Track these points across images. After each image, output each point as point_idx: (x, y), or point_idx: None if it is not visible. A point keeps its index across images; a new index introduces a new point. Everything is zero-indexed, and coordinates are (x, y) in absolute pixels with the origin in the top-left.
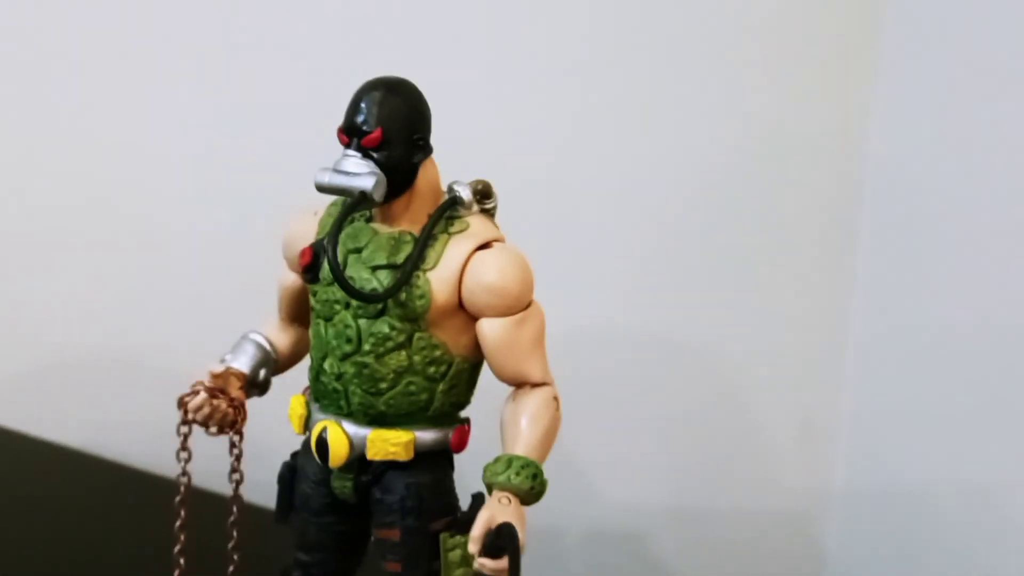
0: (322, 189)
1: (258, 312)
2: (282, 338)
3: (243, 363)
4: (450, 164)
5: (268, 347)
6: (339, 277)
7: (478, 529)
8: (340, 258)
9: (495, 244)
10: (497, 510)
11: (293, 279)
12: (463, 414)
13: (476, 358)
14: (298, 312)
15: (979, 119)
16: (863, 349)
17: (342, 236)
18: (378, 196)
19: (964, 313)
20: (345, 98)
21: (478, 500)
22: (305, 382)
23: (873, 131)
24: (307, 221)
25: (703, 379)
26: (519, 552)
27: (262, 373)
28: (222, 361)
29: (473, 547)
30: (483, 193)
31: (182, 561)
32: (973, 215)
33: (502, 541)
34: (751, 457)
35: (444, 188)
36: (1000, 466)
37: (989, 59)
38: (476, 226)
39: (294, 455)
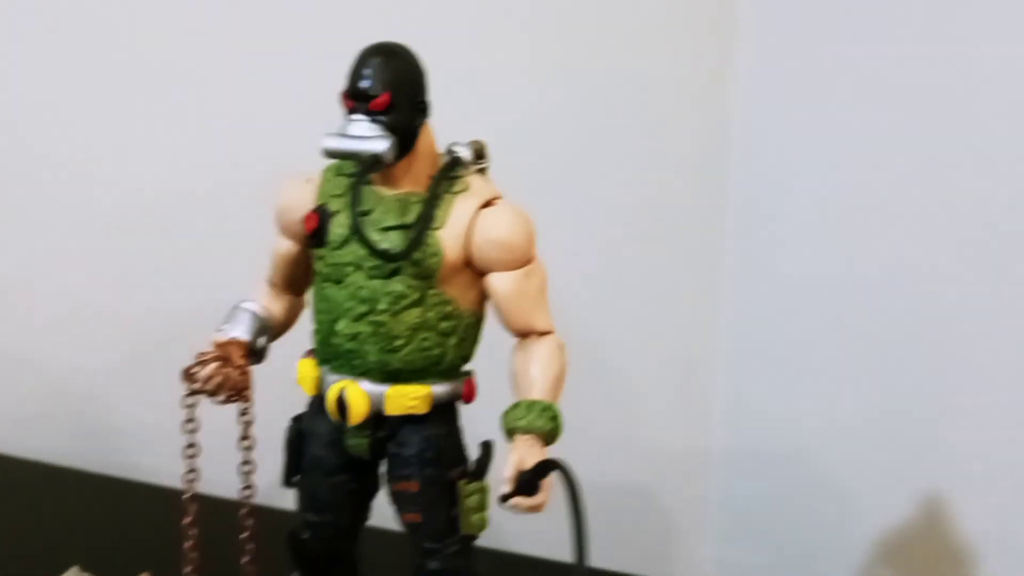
0: (332, 154)
1: (129, 302)
2: (275, 305)
3: (242, 332)
4: None
5: (263, 315)
6: (364, 239)
7: (511, 470)
8: (347, 220)
9: (497, 201)
10: (525, 452)
11: (288, 246)
12: (466, 368)
13: (481, 312)
14: (292, 279)
15: (839, 79)
16: (737, 305)
17: (346, 200)
18: (389, 158)
19: (832, 265)
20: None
21: (487, 448)
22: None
23: (738, 86)
24: (302, 189)
25: (576, 341)
26: (572, 477)
27: (260, 341)
28: (219, 331)
29: (507, 488)
30: (478, 153)
31: (192, 533)
32: (837, 170)
33: (537, 477)
34: (628, 413)
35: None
36: (873, 411)
37: (847, 22)
38: (476, 185)
39: (297, 418)
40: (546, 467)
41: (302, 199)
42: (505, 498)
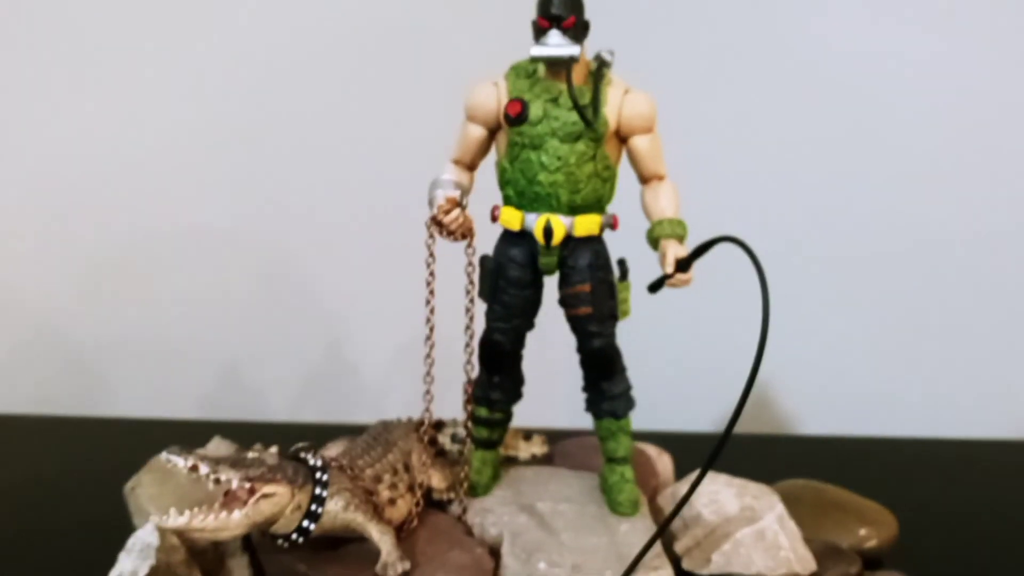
0: (539, 59)
1: None
2: (464, 177)
3: (452, 192)
4: None
5: (459, 181)
6: (582, 113)
7: (671, 257)
8: (541, 105)
9: (631, 89)
10: (674, 248)
11: (480, 131)
12: None
13: (618, 167)
14: (475, 157)
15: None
16: None
17: (537, 89)
18: (578, 59)
19: None
20: None
21: (624, 261)
22: None
23: None
24: (491, 89)
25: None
26: (746, 245)
27: (464, 199)
28: (434, 196)
29: (671, 269)
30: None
31: (430, 342)
32: None
33: (693, 260)
34: None
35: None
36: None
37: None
38: (615, 79)
39: (486, 257)
40: (698, 253)
41: (493, 96)
42: (665, 279)
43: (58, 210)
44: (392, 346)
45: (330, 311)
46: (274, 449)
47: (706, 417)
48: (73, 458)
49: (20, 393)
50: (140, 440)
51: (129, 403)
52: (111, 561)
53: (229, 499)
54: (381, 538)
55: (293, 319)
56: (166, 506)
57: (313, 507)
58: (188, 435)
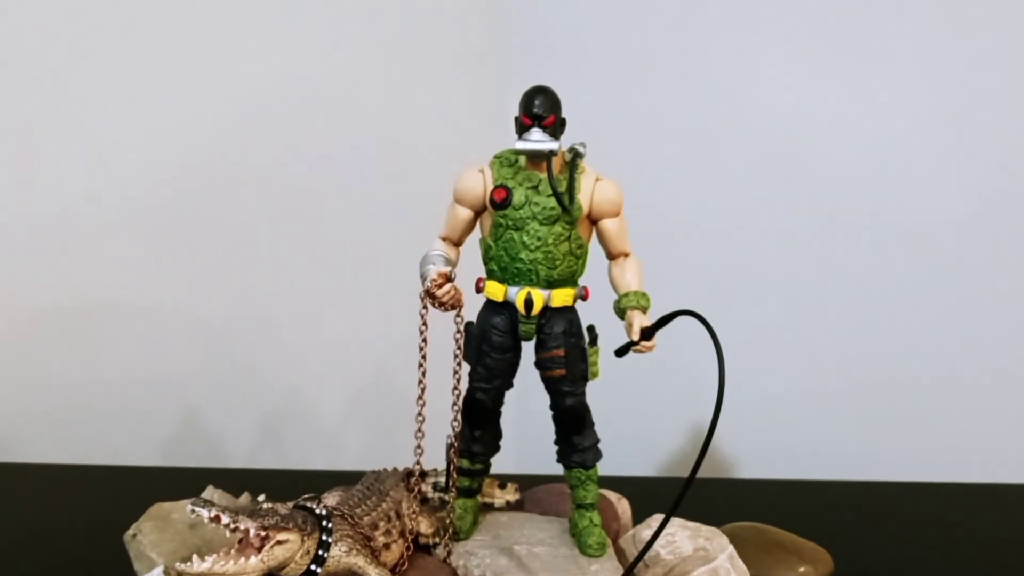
0: (523, 152)
1: None
2: (452, 253)
3: (443, 267)
4: None
5: (448, 256)
6: (560, 200)
7: (637, 328)
8: (523, 192)
9: (602, 177)
10: (639, 318)
11: (467, 213)
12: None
13: (588, 246)
14: (461, 235)
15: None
16: None
17: (520, 178)
18: (556, 154)
19: None
20: None
21: (593, 328)
22: None
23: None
24: (477, 175)
25: None
26: (703, 318)
27: (452, 272)
28: (426, 269)
29: (636, 337)
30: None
31: (421, 403)
32: None
33: (656, 329)
34: None
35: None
36: None
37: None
38: (588, 169)
39: (471, 323)
40: (661, 323)
41: (480, 182)
42: (630, 345)
43: (32, 264)
44: (345, 394)
45: (286, 360)
46: (262, 497)
47: (656, 462)
48: (36, 505)
49: None
50: (104, 487)
51: (88, 450)
52: None
53: (244, 546)
54: None
55: (251, 368)
56: (167, 552)
57: (320, 552)
58: (149, 481)
